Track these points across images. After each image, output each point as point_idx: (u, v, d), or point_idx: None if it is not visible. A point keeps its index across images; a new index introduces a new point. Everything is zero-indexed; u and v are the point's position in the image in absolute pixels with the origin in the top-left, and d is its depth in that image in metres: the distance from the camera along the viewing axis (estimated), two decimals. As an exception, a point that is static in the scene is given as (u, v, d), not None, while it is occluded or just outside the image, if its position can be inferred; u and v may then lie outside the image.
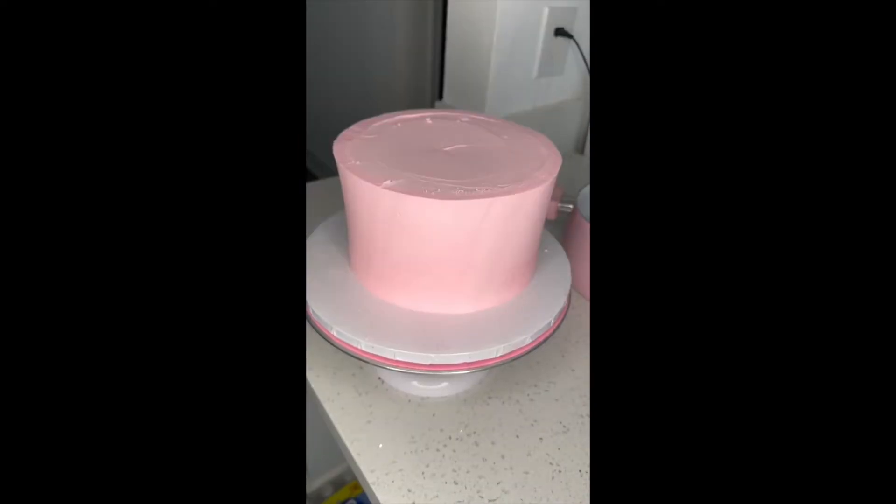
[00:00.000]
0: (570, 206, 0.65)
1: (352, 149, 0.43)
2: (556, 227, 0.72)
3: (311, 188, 0.83)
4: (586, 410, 0.52)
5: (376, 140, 0.45)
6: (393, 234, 0.41)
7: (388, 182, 0.39)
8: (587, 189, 0.67)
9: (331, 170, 1.73)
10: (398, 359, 0.41)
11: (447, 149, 0.45)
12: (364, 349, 0.42)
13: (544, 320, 0.45)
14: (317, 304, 0.45)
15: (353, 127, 0.47)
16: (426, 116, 0.51)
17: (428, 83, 1.11)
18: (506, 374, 0.55)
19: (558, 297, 0.48)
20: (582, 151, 1.08)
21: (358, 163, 0.41)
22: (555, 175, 0.43)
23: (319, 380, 0.53)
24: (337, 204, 0.50)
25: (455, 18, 0.86)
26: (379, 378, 0.54)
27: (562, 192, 0.67)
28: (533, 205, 0.42)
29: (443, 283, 0.43)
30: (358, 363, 0.54)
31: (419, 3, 1.04)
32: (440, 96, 0.99)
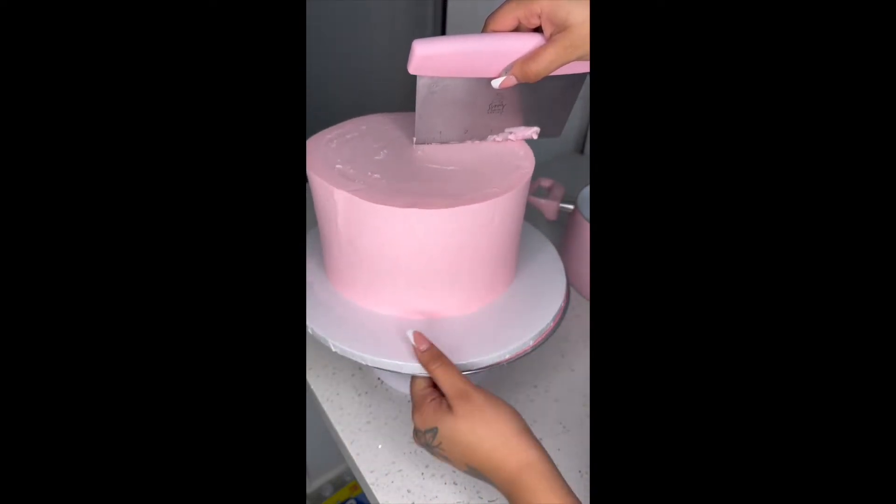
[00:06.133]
0: (571, 207, 0.65)
1: (321, 153, 0.43)
2: (557, 227, 0.72)
3: (311, 188, 0.83)
4: (586, 411, 0.52)
5: (345, 144, 0.45)
6: (361, 241, 0.41)
7: (351, 186, 0.38)
8: (587, 189, 0.67)
9: (330, 170, 1.71)
10: (391, 368, 0.42)
11: (417, 153, 0.45)
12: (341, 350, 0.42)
13: (533, 330, 0.44)
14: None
15: (323, 132, 0.47)
16: (391, 120, 0.50)
17: (428, 83, 1.11)
18: (505, 375, 0.55)
19: (550, 303, 0.47)
20: (582, 151, 1.08)
21: (325, 167, 0.41)
22: (526, 180, 0.42)
23: (319, 380, 0.53)
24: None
25: (455, 18, 0.86)
26: (378, 378, 0.54)
27: (562, 192, 0.67)
28: (503, 211, 0.41)
29: (412, 289, 0.43)
30: (357, 364, 0.54)
31: (419, 3, 1.04)
32: (440, 96, 0.99)
